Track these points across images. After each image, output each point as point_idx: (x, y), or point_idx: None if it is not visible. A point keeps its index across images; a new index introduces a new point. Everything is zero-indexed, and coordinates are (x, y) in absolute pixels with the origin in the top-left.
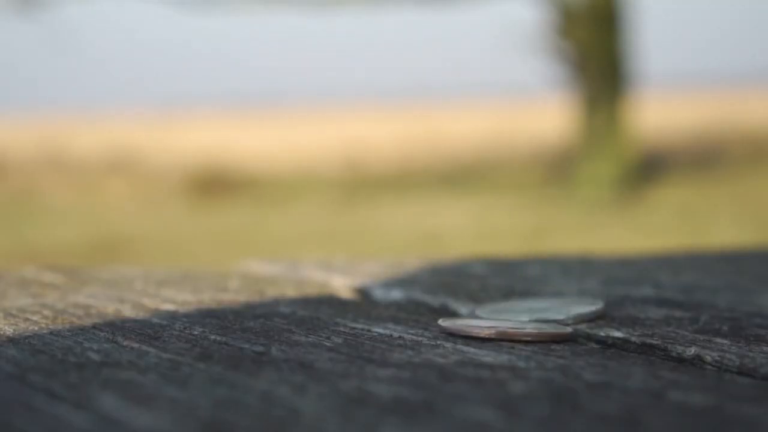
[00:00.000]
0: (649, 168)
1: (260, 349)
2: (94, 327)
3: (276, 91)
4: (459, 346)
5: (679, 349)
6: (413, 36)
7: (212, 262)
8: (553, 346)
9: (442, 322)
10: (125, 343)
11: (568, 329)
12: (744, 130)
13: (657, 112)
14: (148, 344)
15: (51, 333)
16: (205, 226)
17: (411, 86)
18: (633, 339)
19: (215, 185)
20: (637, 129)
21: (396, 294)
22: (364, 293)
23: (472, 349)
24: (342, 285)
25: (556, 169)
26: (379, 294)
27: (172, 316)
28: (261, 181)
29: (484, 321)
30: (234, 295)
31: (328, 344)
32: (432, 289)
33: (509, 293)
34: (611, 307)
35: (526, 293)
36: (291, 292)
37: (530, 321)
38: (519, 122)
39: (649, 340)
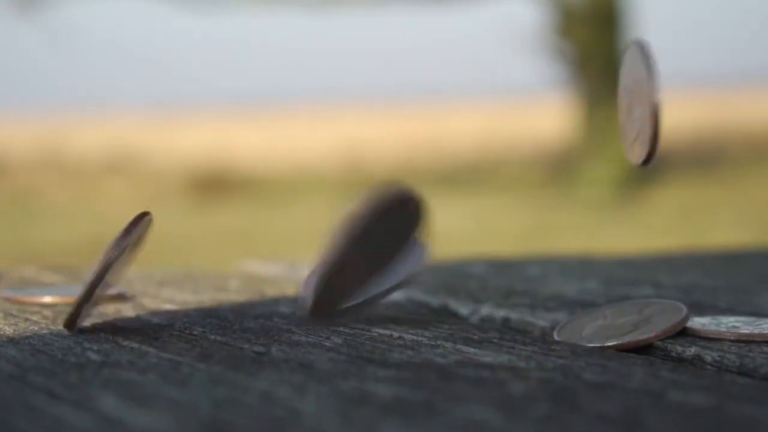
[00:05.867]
0: (649, 168)
1: (260, 349)
2: (94, 327)
3: (276, 91)
4: (459, 346)
5: (679, 349)
6: (413, 36)
7: (212, 262)
8: (553, 346)
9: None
10: (125, 343)
11: None
12: (744, 130)
13: None
14: (148, 344)
15: (51, 333)
16: (205, 226)
17: (411, 86)
18: None
19: (215, 185)
20: None
21: (396, 294)
22: None
23: (472, 349)
24: None
25: (557, 170)
26: None
27: (172, 316)
28: (261, 181)
29: None
30: (234, 295)
31: (328, 344)
32: (432, 289)
33: (509, 293)
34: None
35: (525, 293)
36: (291, 292)
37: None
38: (519, 122)
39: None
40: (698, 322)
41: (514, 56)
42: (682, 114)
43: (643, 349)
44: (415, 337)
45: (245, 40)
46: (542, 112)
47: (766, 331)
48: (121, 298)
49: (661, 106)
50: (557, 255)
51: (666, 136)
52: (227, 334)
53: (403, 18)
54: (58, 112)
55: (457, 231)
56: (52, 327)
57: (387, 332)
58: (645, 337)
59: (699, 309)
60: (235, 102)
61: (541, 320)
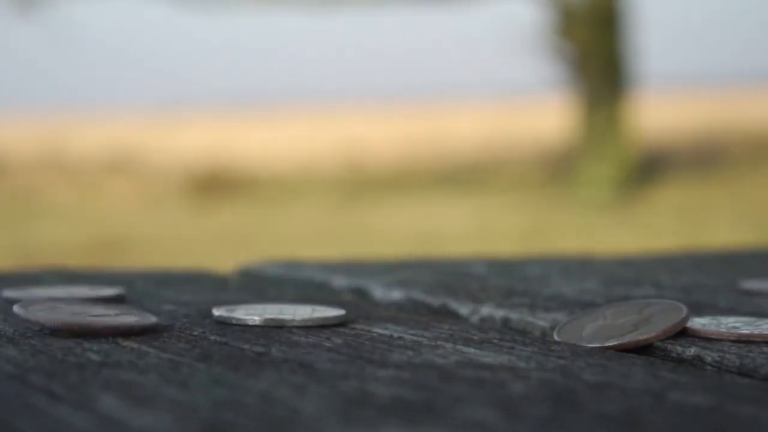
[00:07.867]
0: (649, 168)
1: (260, 349)
2: None
3: (276, 91)
4: (459, 347)
5: (679, 349)
6: (413, 36)
7: (212, 262)
8: (553, 347)
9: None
10: (125, 343)
11: None
12: (744, 130)
13: (657, 112)
14: (148, 344)
15: (51, 333)
16: (205, 226)
17: (411, 86)
18: None
19: (215, 185)
20: (637, 129)
21: (396, 294)
22: (364, 293)
23: (472, 350)
24: (342, 285)
25: (556, 169)
26: (379, 294)
27: (172, 316)
28: (261, 181)
29: None
30: (234, 295)
31: (328, 344)
32: (432, 289)
33: (509, 293)
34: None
35: (525, 293)
36: (291, 292)
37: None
38: (519, 122)
39: None
40: (698, 322)
41: (514, 56)
42: (682, 114)
43: (643, 349)
44: (415, 337)
45: (245, 40)
46: (542, 112)
47: (766, 332)
48: (120, 299)
49: None
50: (557, 255)
51: (666, 136)
52: (227, 334)
53: (403, 18)
54: (58, 112)
55: (457, 231)
56: None
57: (387, 332)
58: (645, 337)
59: (699, 309)
60: (235, 102)
61: (541, 320)
